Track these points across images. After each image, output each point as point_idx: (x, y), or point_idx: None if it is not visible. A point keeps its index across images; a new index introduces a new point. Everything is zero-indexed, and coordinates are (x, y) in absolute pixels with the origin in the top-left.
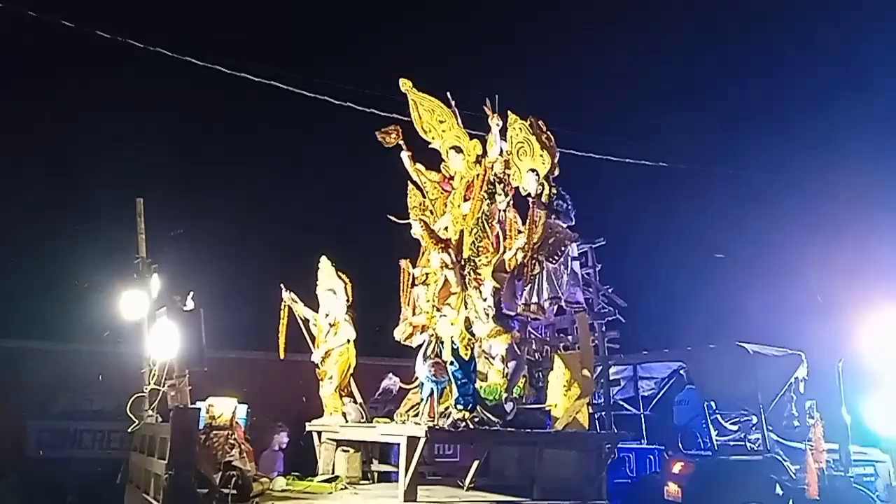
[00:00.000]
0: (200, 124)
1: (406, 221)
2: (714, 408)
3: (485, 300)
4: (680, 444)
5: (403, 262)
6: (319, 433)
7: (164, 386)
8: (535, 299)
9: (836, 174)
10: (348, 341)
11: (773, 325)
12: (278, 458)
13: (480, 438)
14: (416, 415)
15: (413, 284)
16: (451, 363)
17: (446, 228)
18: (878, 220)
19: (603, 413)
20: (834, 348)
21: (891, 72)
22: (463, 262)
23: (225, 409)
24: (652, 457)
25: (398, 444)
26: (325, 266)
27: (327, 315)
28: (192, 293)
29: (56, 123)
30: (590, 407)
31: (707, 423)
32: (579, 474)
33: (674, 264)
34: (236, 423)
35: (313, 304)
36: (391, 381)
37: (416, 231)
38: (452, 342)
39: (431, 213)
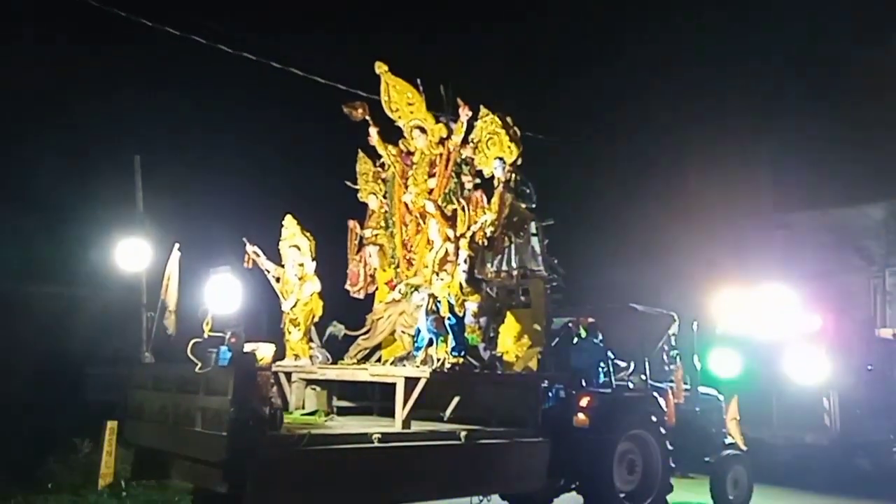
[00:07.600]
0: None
1: (358, 188)
2: (611, 356)
3: (458, 266)
4: (583, 384)
5: (352, 223)
6: (288, 374)
7: (227, 334)
8: (504, 267)
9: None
10: (313, 294)
11: (653, 292)
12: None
13: (469, 379)
14: (363, 359)
15: (361, 245)
16: (449, 318)
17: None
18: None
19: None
20: (692, 313)
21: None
22: (458, 237)
23: (266, 352)
24: (551, 393)
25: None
26: (289, 224)
27: (293, 268)
28: (177, 244)
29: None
30: (539, 355)
31: (607, 367)
32: (524, 407)
33: (590, 241)
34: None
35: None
36: (336, 329)
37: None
38: (450, 301)
39: (383, 181)
